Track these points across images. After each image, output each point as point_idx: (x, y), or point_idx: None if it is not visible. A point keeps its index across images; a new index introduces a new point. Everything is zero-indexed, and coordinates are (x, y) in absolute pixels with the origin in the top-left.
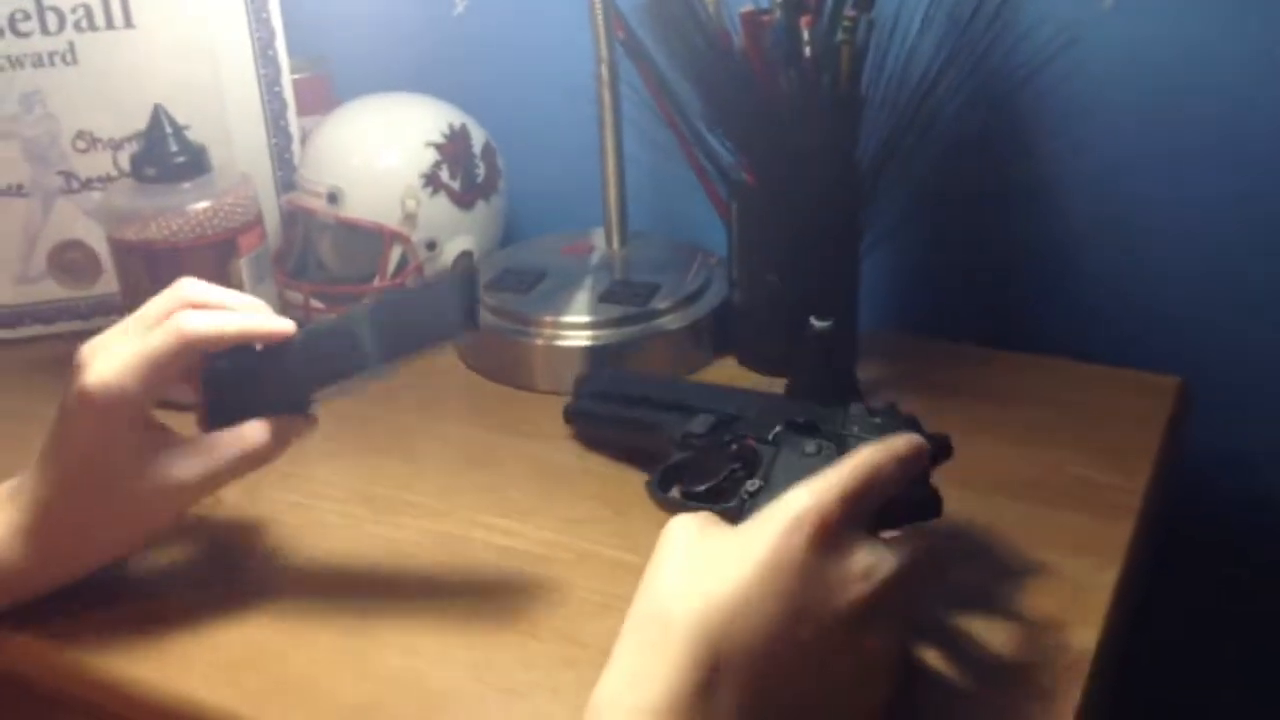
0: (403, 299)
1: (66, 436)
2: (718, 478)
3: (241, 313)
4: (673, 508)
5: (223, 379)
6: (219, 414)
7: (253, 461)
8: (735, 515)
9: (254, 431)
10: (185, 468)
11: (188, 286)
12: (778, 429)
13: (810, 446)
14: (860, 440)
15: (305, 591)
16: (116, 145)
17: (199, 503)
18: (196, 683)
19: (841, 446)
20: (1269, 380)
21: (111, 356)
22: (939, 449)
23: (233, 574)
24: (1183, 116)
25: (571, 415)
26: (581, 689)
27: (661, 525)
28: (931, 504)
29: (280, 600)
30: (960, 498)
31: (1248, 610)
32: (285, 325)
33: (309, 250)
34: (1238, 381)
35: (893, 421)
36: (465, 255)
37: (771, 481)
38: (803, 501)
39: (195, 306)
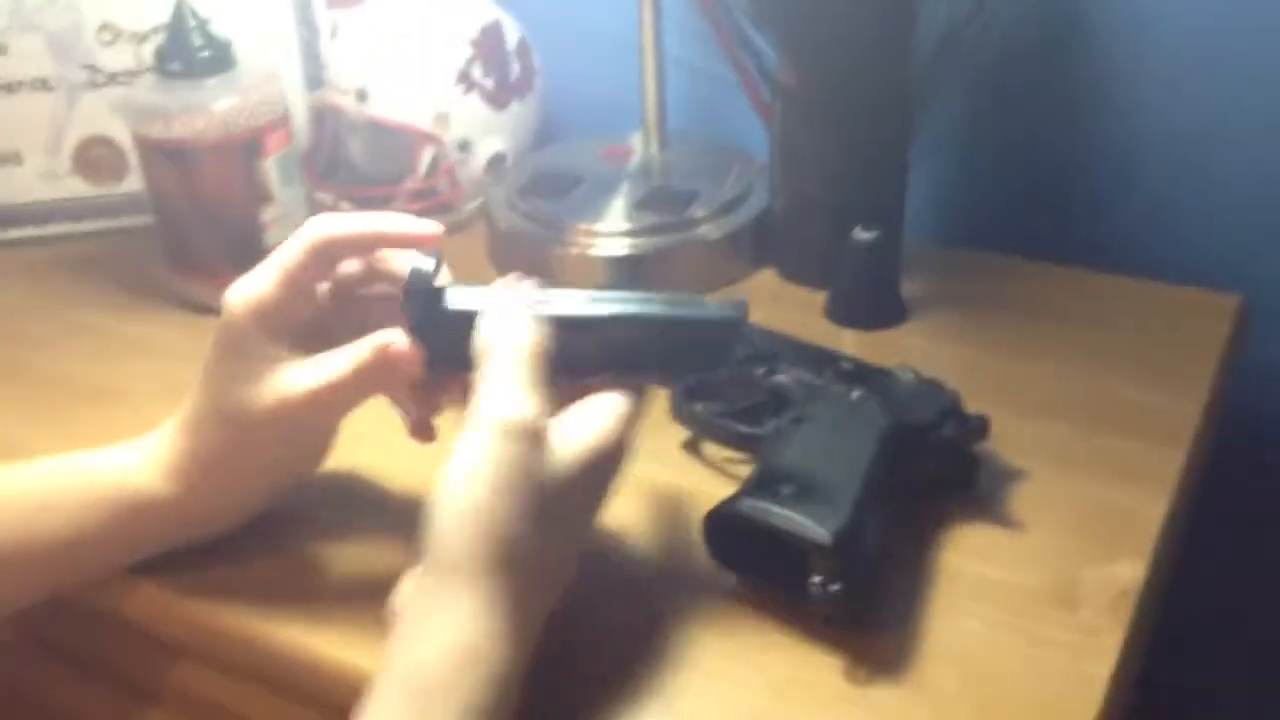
0: (662, 323)
1: (210, 359)
2: (745, 404)
3: (379, 217)
4: (695, 422)
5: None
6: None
7: (366, 378)
8: (765, 442)
9: (363, 347)
10: (300, 377)
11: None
12: (828, 371)
13: (855, 393)
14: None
15: (334, 502)
16: (141, 38)
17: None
18: (334, 639)
19: (886, 402)
20: None
21: (248, 275)
22: (978, 429)
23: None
24: (1250, 19)
25: None
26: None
27: (679, 439)
28: (970, 477)
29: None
30: (1006, 421)
31: None
32: (428, 226)
33: (339, 150)
34: None
35: (937, 394)
36: (737, 310)
37: (810, 417)
38: (514, 410)
39: None
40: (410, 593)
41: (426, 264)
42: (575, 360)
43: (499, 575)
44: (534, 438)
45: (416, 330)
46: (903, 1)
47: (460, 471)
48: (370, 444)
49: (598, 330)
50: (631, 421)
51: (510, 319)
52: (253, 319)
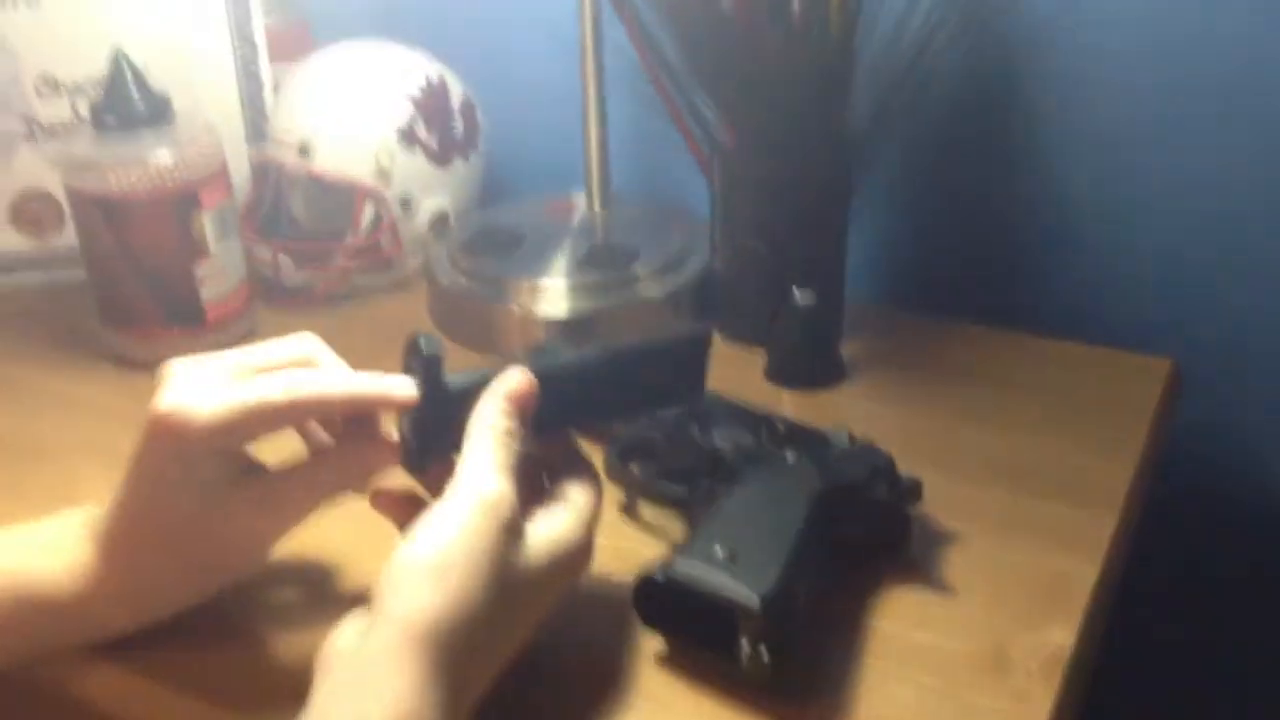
0: (636, 354)
1: (142, 465)
2: (680, 465)
3: (357, 377)
4: (629, 482)
5: (425, 425)
6: (422, 456)
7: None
8: (698, 504)
9: (322, 473)
10: (259, 517)
11: (309, 343)
12: (763, 432)
13: (790, 455)
14: (840, 468)
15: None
16: (78, 89)
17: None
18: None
19: (819, 464)
20: (1264, 357)
21: (203, 393)
22: (911, 491)
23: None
24: (1183, 86)
25: None
26: None
27: (615, 500)
28: (903, 539)
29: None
30: (941, 483)
31: (1229, 591)
32: (405, 388)
33: (280, 204)
34: (1232, 358)
35: (870, 456)
36: (703, 328)
37: (744, 479)
38: (493, 487)
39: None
40: (353, 642)
41: (432, 343)
42: (562, 413)
43: (450, 642)
44: (510, 519)
45: (420, 410)
46: (837, 62)
47: (431, 534)
48: (331, 523)
49: (587, 377)
50: (596, 520)
51: (496, 401)
52: (206, 438)
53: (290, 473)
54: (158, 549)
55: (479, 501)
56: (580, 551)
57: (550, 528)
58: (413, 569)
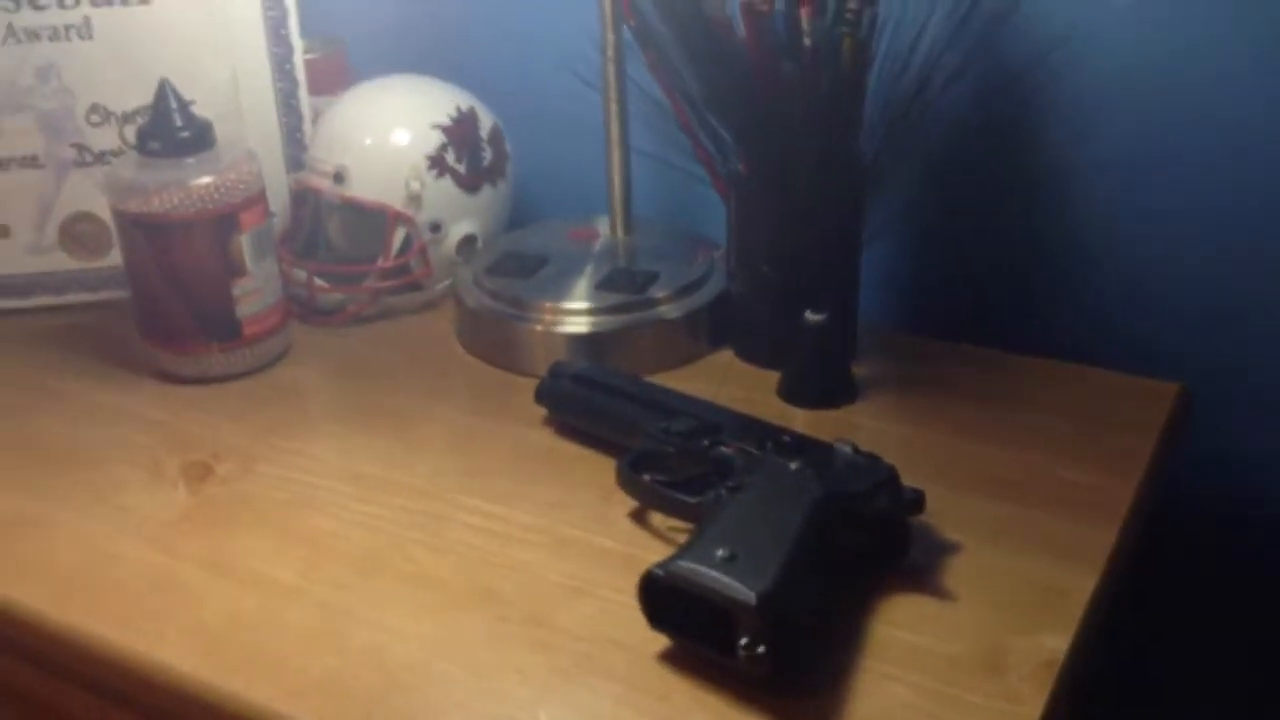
0: None
1: None
2: (690, 475)
3: None
4: (640, 491)
5: None
6: None
7: None
8: (704, 509)
9: None
10: None
11: None
12: (769, 443)
13: (794, 464)
14: (842, 477)
15: (284, 565)
16: (127, 119)
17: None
18: (168, 650)
19: (822, 473)
20: (1273, 385)
21: None
22: (913, 502)
23: (214, 544)
24: (1187, 115)
25: (543, 396)
26: (550, 672)
27: (627, 509)
28: (902, 547)
29: (259, 572)
30: (945, 497)
31: (1228, 614)
32: None
33: (317, 229)
34: (1241, 385)
35: (874, 467)
36: None
37: (748, 486)
38: None
39: None
40: None
41: None
42: None
43: None
44: None
45: None
46: (848, 93)
47: None
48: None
49: None
50: None
51: None
52: None
53: None
54: None
55: None
56: None
57: None
58: None
